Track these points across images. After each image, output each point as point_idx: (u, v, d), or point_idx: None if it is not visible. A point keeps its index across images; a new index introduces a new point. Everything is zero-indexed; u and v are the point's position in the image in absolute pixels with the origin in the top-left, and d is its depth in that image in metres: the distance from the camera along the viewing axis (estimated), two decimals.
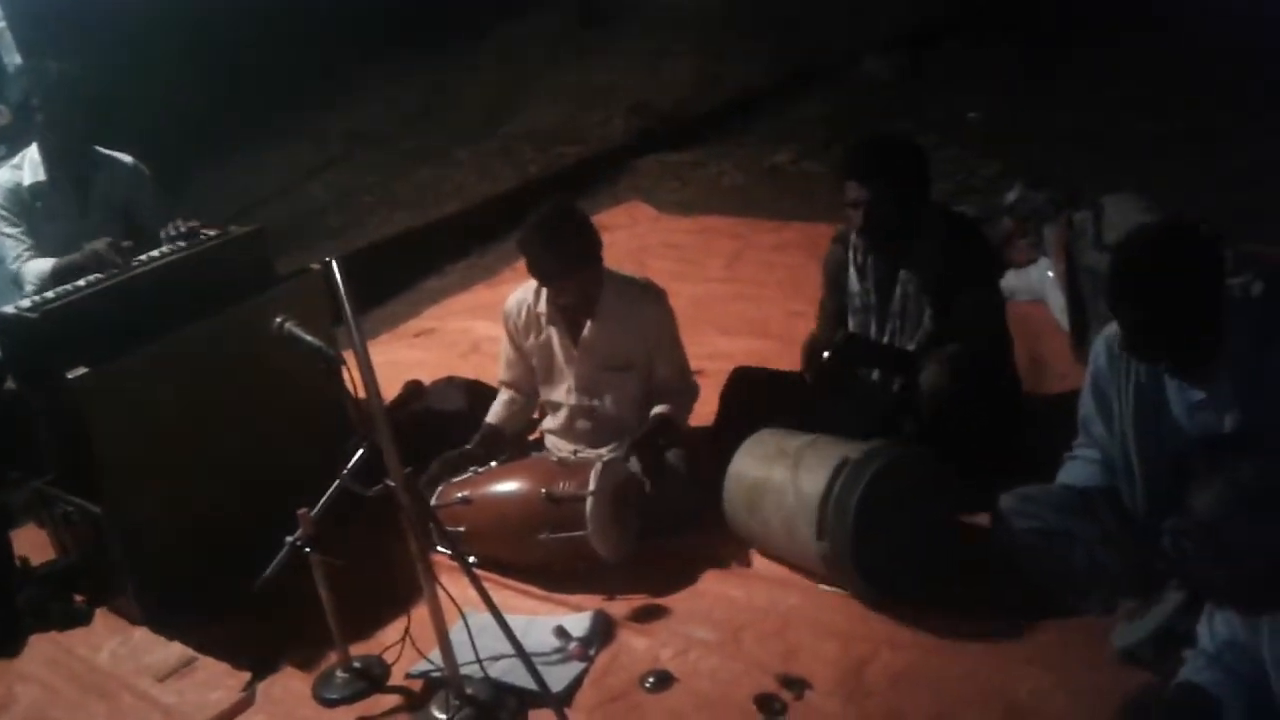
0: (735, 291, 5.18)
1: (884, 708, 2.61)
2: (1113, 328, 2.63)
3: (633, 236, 6.17)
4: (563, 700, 2.70)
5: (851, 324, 3.47)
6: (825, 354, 3.24)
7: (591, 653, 2.92)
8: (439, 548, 3.02)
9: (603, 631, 2.99)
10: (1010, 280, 4.48)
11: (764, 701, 2.66)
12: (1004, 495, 2.87)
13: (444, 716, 2.68)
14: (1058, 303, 4.15)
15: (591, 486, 3.13)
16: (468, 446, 3.52)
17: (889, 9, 8.46)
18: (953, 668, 2.70)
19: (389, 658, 2.97)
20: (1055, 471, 2.90)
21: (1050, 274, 4.27)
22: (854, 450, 2.97)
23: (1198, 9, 6.85)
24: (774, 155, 7.07)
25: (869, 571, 2.89)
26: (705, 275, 5.43)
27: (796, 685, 2.70)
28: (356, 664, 2.98)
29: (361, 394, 2.51)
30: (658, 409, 3.49)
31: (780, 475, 3.07)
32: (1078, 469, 2.83)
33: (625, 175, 7.34)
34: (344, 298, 2.49)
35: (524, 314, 3.58)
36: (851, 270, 3.44)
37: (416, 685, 2.94)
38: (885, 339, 3.39)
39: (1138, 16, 7.15)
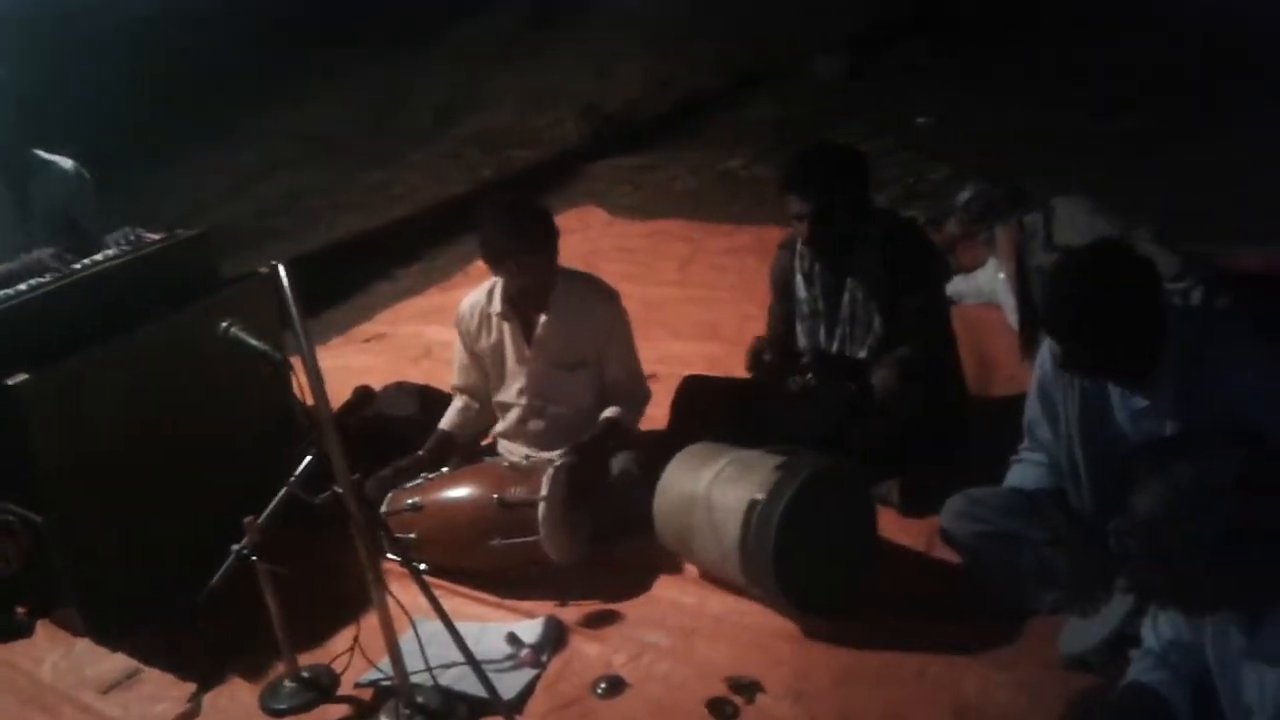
0: (687, 295, 5.19)
1: (834, 709, 2.62)
2: None
3: (585, 240, 6.15)
4: (514, 707, 2.69)
5: (800, 331, 3.47)
6: (809, 376, 3.24)
7: (543, 659, 2.91)
8: (389, 555, 2.98)
9: (555, 638, 2.98)
10: (959, 284, 4.53)
11: (716, 706, 2.66)
12: (951, 498, 2.90)
13: None
14: (1008, 304, 4.20)
15: (544, 491, 3.12)
16: (419, 453, 3.50)
17: (838, 11, 8.53)
18: (902, 668, 2.71)
19: (338, 667, 2.93)
20: (1003, 474, 2.93)
21: (1000, 276, 4.31)
22: (769, 470, 2.91)
23: (1140, 11, 6.99)
24: (726, 159, 7.10)
25: (794, 589, 2.86)
26: (657, 279, 5.44)
27: (748, 689, 2.70)
28: (305, 673, 2.94)
29: (310, 400, 2.48)
30: (607, 413, 3.48)
31: (703, 491, 3.02)
32: (1025, 472, 2.87)
33: (577, 179, 7.32)
34: (291, 302, 2.46)
35: (477, 316, 3.56)
36: (799, 277, 3.45)
37: (366, 694, 2.90)
38: (835, 345, 3.40)
39: (1086, 17, 7.27)
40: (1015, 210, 4.20)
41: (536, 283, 3.43)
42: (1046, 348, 2.74)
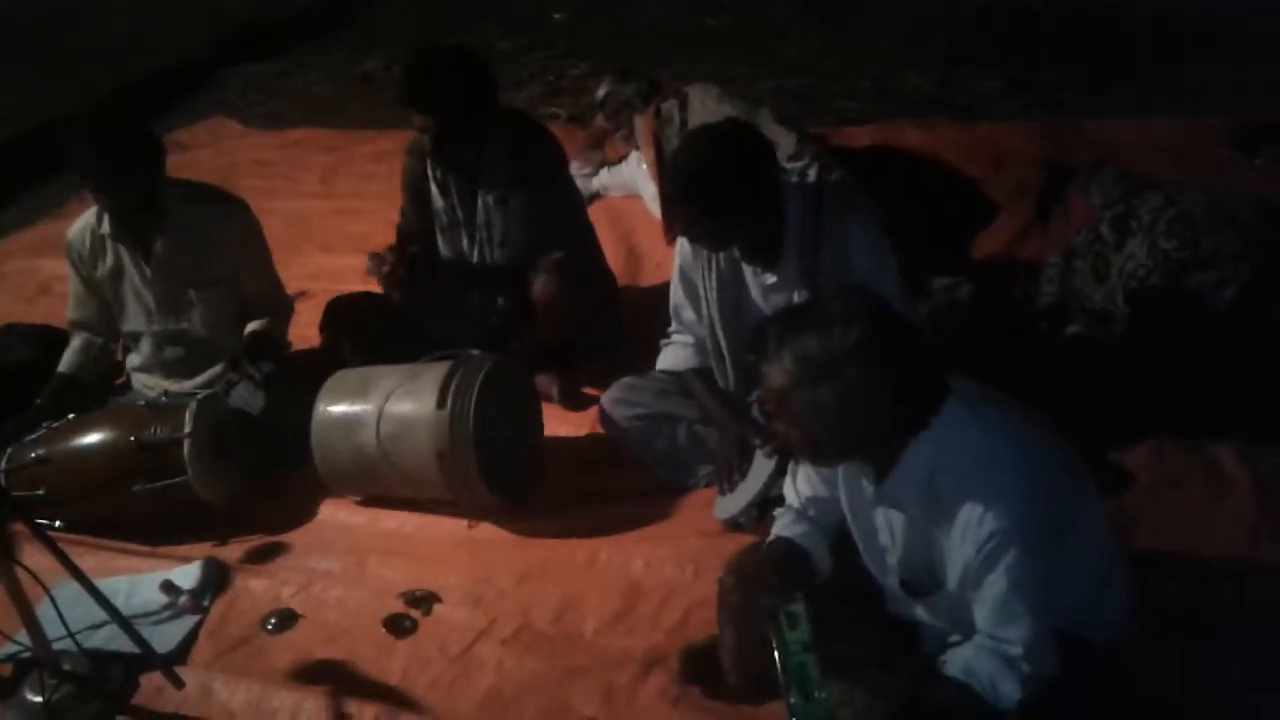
0: (334, 207, 5.00)
1: (513, 608, 2.65)
2: None
3: (218, 154, 5.78)
4: (174, 658, 2.54)
5: (441, 241, 3.36)
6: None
7: (205, 604, 2.76)
8: (16, 517, 2.69)
9: (215, 580, 2.82)
10: (604, 178, 4.60)
11: (394, 623, 2.63)
12: (609, 389, 2.97)
13: (39, 698, 2.43)
14: (649, 192, 4.30)
15: (187, 427, 2.92)
16: (38, 401, 3.16)
17: None
18: (574, 558, 2.79)
19: None
20: (654, 358, 3.03)
21: (642, 165, 4.41)
22: (443, 376, 2.88)
23: None
24: (363, 61, 6.83)
25: (493, 483, 2.88)
26: (300, 191, 5.20)
27: (425, 601, 2.68)
28: None
29: None
30: (253, 325, 3.29)
31: (375, 408, 2.92)
32: (674, 354, 2.97)
33: (205, 89, 6.83)
34: None
35: (89, 239, 3.23)
36: (433, 186, 3.33)
37: (6, 670, 2.64)
38: (475, 252, 3.31)
39: None
40: (649, 102, 4.29)
41: (129, 204, 3.10)
42: None
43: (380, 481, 2.99)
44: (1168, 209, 3.26)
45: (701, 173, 2.52)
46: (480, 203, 3.25)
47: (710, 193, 2.50)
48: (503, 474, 2.91)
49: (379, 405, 2.92)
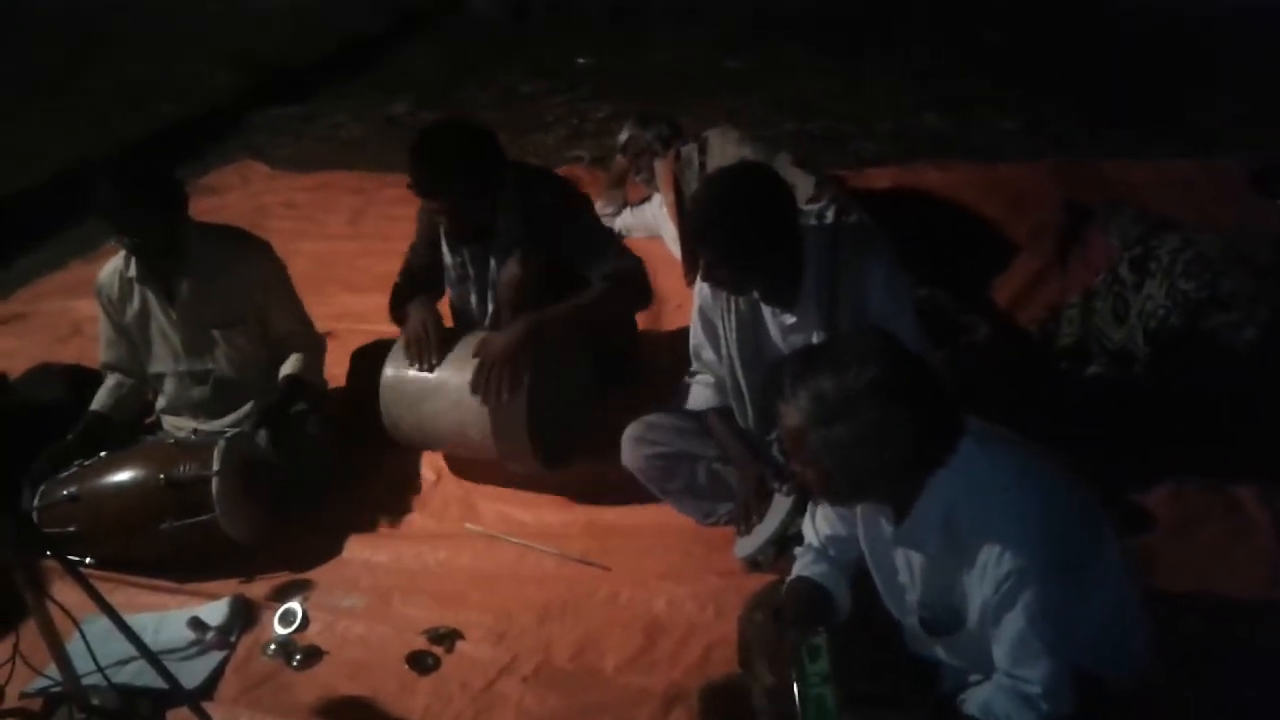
0: (360, 248, 5.05)
1: (535, 644, 2.68)
2: None
3: (246, 197, 5.85)
4: (201, 694, 2.57)
5: (451, 296, 3.38)
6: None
7: (232, 640, 2.79)
8: (48, 553, 2.74)
9: (242, 616, 2.86)
10: (627, 218, 4.67)
11: (416, 659, 2.66)
12: (629, 426, 3.00)
13: None
14: (670, 234, 4.36)
15: (216, 465, 2.97)
16: (69, 438, 3.21)
17: None
18: (596, 594, 2.81)
19: None
20: (674, 397, 3.06)
21: (662, 207, 4.47)
22: None
23: None
24: (390, 104, 6.92)
25: (539, 444, 3.04)
26: (327, 233, 5.26)
27: (448, 638, 2.71)
28: None
29: None
30: (286, 370, 3.33)
31: (436, 379, 3.11)
32: (694, 393, 3.00)
33: (233, 132, 6.92)
34: None
35: (118, 283, 3.28)
36: (444, 244, 3.31)
37: (36, 704, 2.68)
38: (490, 308, 3.29)
39: None
40: (669, 146, 4.36)
41: (152, 246, 3.14)
42: None
43: (435, 440, 3.23)
44: (1185, 250, 3.29)
45: (721, 216, 2.55)
46: (493, 260, 3.22)
47: (730, 236, 2.53)
48: (551, 440, 3.09)
49: (437, 376, 3.11)
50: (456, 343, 3.17)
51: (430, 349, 3.13)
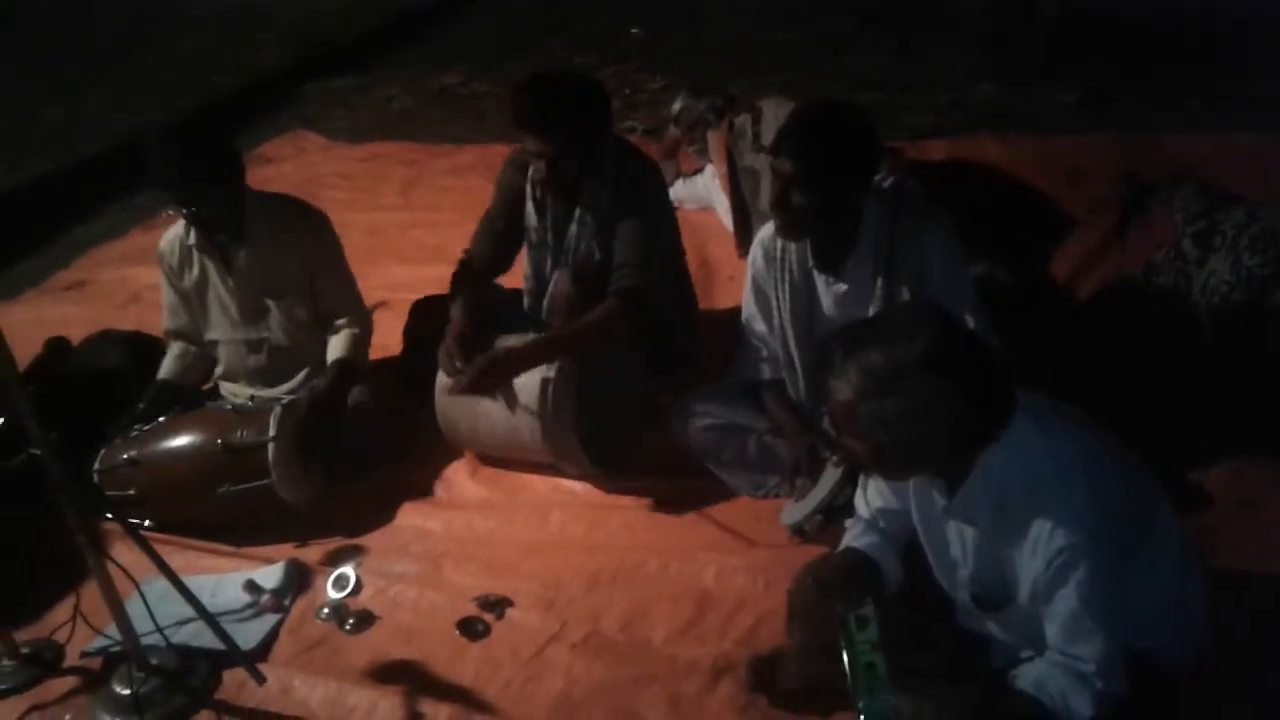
0: (411, 219, 5.09)
1: (584, 613, 2.69)
2: (768, 230, 2.78)
3: (301, 167, 5.91)
4: (256, 655, 2.61)
5: (527, 258, 3.37)
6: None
7: (286, 603, 2.83)
8: (108, 515, 2.80)
9: (297, 580, 2.90)
10: (679, 189, 4.65)
11: (467, 625, 2.68)
12: (679, 399, 3.00)
13: (127, 691, 2.52)
14: (722, 205, 4.34)
15: (272, 431, 3.00)
16: (141, 405, 3.26)
17: None
18: (646, 565, 2.81)
19: (60, 638, 2.75)
20: (726, 369, 3.05)
21: (715, 179, 4.45)
22: None
23: None
24: (442, 76, 6.94)
25: (588, 447, 3.04)
26: (380, 204, 5.30)
27: (498, 605, 2.73)
28: (25, 650, 2.74)
29: None
30: (335, 352, 3.33)
31: None
32: (747, 364, 2.99)
33: (287, 105, 6.97)
34: None
35: (178, 251, 3.32)
36: (530, 204, 3.29)
37: (96, 663, 2.74)
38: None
39: None
40: (723, 116, 4.32)
41: (211, 215, 3.16)
42: (758, 245, 2.85)
43: (486, 442, 3.21)
44: (1251, 224, 3.21)
45: (823, 130, 2.51)
46: (574, 228, 3.19)
47: (827, 151, 2.48)
48: (601, 441, 3.09)
49: None
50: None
51: (459, 361, 3.05)
